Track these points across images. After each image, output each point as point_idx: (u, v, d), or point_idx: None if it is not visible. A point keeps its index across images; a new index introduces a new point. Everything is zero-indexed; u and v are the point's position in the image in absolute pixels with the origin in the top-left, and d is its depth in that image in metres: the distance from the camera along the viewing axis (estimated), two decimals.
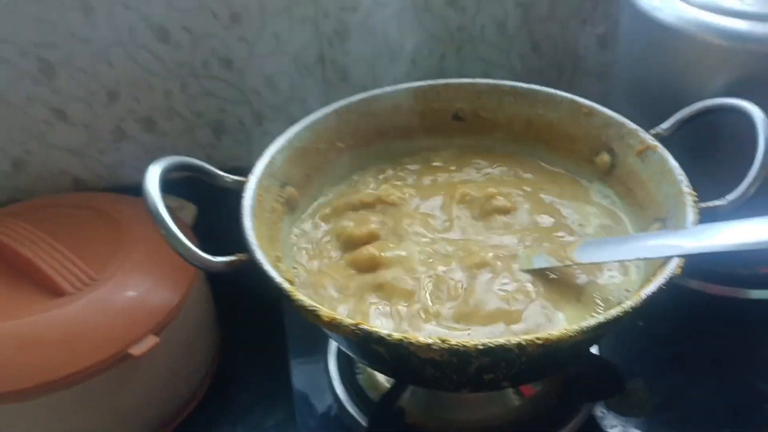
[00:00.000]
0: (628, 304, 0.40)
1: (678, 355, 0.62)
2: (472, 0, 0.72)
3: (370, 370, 0.58)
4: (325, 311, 0.41)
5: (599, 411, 0.57)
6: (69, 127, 0.70)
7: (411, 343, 0.39)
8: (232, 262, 0.46)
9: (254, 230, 0.47)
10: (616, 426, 0.56)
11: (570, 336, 0.39)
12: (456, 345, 0.38)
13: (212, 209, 0.62)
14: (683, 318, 0.63)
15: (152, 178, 0.46)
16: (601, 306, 0.47)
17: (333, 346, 0.61)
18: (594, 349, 0.60)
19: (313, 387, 0.60)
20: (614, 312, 0.40)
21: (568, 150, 0.60)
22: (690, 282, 0.63)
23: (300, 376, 0.61)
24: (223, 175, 0.52)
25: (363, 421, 0.55)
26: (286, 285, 0.43)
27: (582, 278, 0.49)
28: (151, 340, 0.55)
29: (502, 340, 0.38)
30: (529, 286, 0.48)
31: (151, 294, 0.58)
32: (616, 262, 0.50)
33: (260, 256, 0.45)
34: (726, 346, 0.62)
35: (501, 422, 0.55)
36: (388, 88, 0.61)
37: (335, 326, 0.40)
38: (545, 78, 0.64)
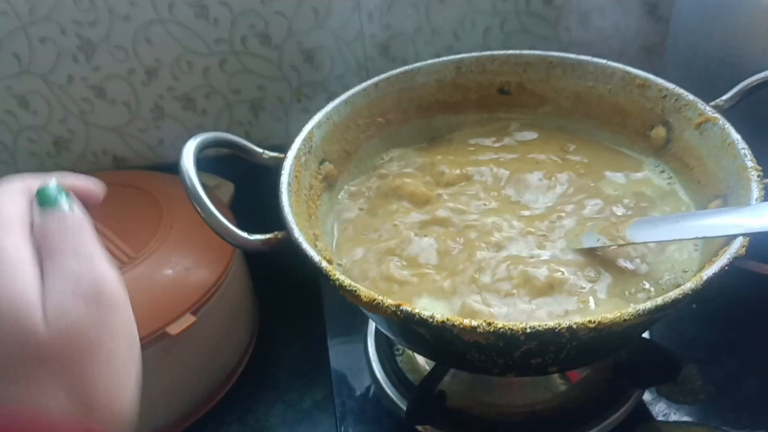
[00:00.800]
0: (688, 286, 0.38)
1: (734, 341, 0.59)
2: None
3: (410, 351, 0.57)
4: (365, 291, 0.39)
5: (650, 398, 0.54)
6: (109, 105, 0.70)
7: (455, 326, 0.37)
8: (269, 240, 0.45)
9: (292, 207, 0.46)
10: (667, 414, 0.54)
11: (625, 319, 0.37)
12: (502, 328, 0.36)
13: (250, 188, 0.62)
14: (740, 302, 0.60)
15: (188, 155, 0.45)
16: (657, 287, 0.45)
17: (372, 326, 0.60)
18: (645, 334, 0.57)
19: (351, 368, 0.59)
20: (673, 295, 0.37)
21: (620, 125, 0.58)
22: (748, 263, 0.60)
23: (338, 356, 0.60)
24: (260, 151, 0.51)
25: (402, 404, 0.54)
26: (324, 264, 0.42)
27: (636, 257, 0.47)
28: (188, 319, 0.55)
29: (551, 324, 0.36)
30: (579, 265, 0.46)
31: (189, 273, 0.58)
32: (672, 241, 0.47)
33: (298, 234, 0.43)
34: None
35: (546, 407, 0.53)
36: (430, 61, 0.59)
37: (375, 307, 0.39)
38: (594, 51, 0.61)
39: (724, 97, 0.51)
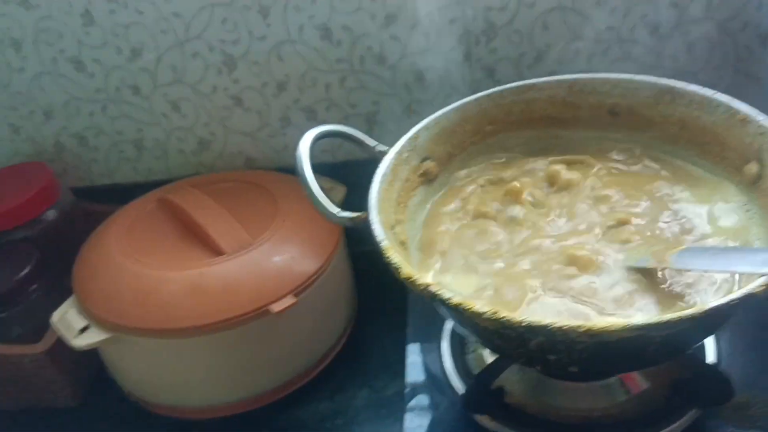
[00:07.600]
0: (689, 312, 0.38)
1: None
2: (621, 0, 0.72)
3: (478, 350, 0.62)
4: (406, 269, 0.45)
5: (707, 419, 0.55)
6: (245, 113, 0.81)
7: (466, 310, 0.41)
8: (353, 218, 0.52)
9: (379, 193, 0.52)
10: None
11: (614, 330, 0.38)
12: (504, 318, 0.40)
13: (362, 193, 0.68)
14: None
15: (305, 142, 0.54)
16: None
17: (447, 327, 0.65)
18: (712, 356, 0.58)
19: (425, 362, 0.64)
20: (667, 317, 0.38)
21: (720, 156, 0.57)
22: None
23: (414, 347, 0.66)
24: (373, 145, 0.58)
25: None
26: (385, 242, 0.47)
27: (687, 283, 0.48)
28: (289, 300, 0.63)
29: (546, 322, 0.39)
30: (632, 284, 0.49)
31: (295, 260, 0.66)
32: (708, 272, 0.48)
33: (373, 215, 0.50)
34: None
35: (602, 415, 0.55)
36: (544, 79, 0.63)
37: (411, 283, 0.44)
38: (700, 80, 0.62)
39: None
